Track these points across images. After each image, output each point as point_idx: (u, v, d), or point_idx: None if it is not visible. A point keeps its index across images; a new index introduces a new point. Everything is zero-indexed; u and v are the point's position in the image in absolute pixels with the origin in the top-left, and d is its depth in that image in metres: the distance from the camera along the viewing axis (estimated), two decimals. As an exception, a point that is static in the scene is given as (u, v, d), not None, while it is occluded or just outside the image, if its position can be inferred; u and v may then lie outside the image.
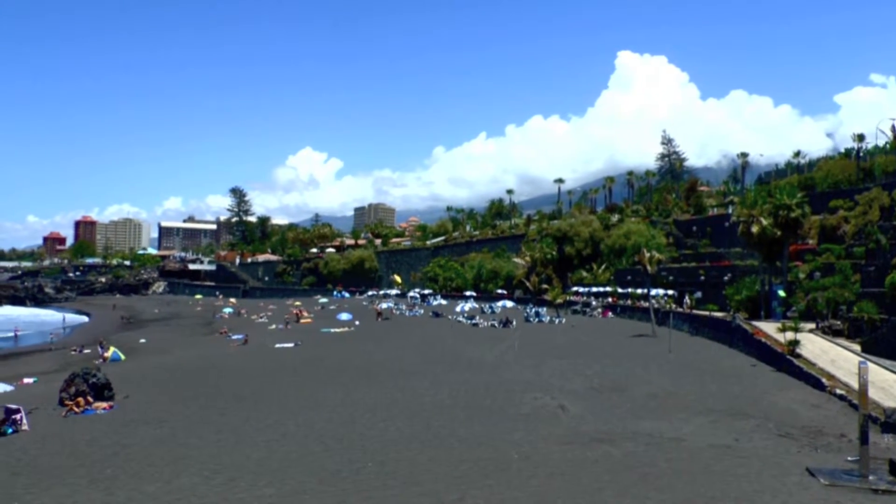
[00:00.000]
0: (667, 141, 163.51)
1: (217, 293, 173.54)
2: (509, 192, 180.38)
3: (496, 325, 66.67)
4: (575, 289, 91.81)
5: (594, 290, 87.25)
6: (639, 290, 75.08)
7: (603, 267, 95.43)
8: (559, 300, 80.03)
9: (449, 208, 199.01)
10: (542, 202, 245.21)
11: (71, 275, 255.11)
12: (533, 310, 77.43)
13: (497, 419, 23.51)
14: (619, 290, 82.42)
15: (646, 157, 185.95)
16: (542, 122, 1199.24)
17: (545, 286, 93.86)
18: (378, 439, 20.60)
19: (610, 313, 76.64)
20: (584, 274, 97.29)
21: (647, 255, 62.53)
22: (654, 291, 66.90)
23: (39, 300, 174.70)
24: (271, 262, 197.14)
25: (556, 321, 69.93)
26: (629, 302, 77.05)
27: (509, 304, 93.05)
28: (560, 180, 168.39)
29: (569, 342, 50.54)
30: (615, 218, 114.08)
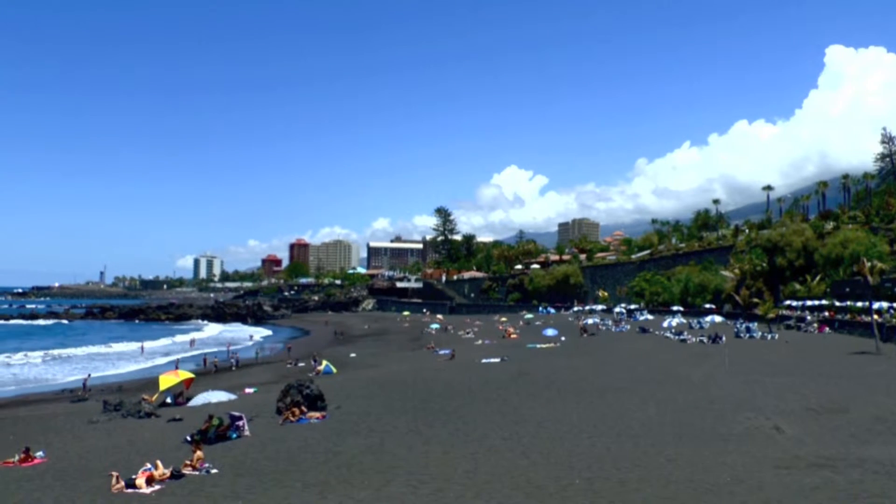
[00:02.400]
0: (888, 139, 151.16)
1: (424, 310, 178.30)
2: (715, 202, 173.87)
3: (705, 340, 64.34)
4: (787, 302, 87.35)
5: (808, 303, 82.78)
6: (859, 304, 70.21)
7: (817, 279, 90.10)
8: (771, 315, 76.43)
9: (654, 221, 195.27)
10: (751, 211, 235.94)
11: (286, 293, 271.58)
12: (743, 325, 74.09)
13: (707, 439, 22.58)
14: (837, 304, 77.47)
15: (863, 158, 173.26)
16: (746, 126, 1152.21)
17: (755, 300, 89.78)
18: (585, 456, 20.29)
19: (826, 328, 72.05)
20: (797, 286, 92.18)
21: (868, 264, 58.53)
22: (876, 304, 62.22)
23: (259, 317, 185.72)
24: (477, 278, 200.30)
25: (768, 337, 66.65)
26: (848, 316, 72.15)
27: (718, 318, 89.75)
28: (769, 187, 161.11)
29: (782, 359, 47.91)
30: (830, 225, 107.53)
